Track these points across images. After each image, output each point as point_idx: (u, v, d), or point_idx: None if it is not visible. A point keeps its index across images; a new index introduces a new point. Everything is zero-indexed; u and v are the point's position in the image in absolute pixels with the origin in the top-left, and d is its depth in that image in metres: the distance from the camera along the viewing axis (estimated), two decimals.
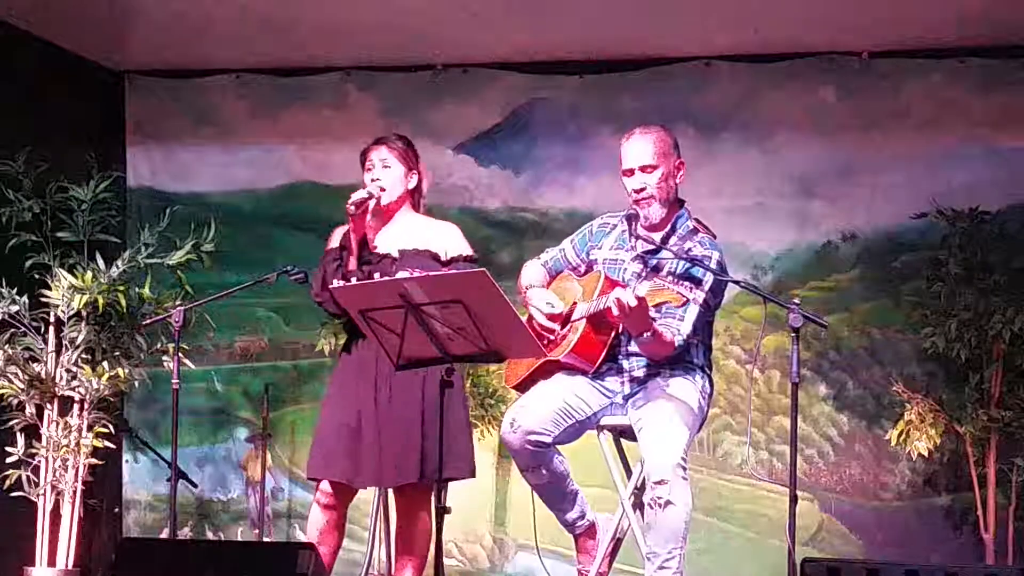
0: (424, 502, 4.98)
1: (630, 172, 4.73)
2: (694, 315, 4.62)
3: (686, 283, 4.49)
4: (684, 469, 4.48)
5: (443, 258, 4.97)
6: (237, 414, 7.30)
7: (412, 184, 5.08)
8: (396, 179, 5.02)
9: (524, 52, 6.94)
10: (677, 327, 4.59)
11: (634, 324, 4.50)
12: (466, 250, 5.02)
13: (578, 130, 7.03)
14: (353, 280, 4.79)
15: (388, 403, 4.90)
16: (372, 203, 4.96)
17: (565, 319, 4.76)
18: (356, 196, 4.93)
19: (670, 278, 4.44)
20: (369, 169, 5.05)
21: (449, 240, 5.02)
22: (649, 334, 4.51)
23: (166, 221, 6.65)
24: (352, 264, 4.93)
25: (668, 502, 4.45)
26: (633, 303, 4.35)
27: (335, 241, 5.08)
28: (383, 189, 4.99)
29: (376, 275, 4.83)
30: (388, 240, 5.02)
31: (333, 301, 4.82)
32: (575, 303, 4.76)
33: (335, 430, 4.96)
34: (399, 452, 4.86)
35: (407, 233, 5.02)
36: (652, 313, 4.52)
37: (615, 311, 4.42)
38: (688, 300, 4.40)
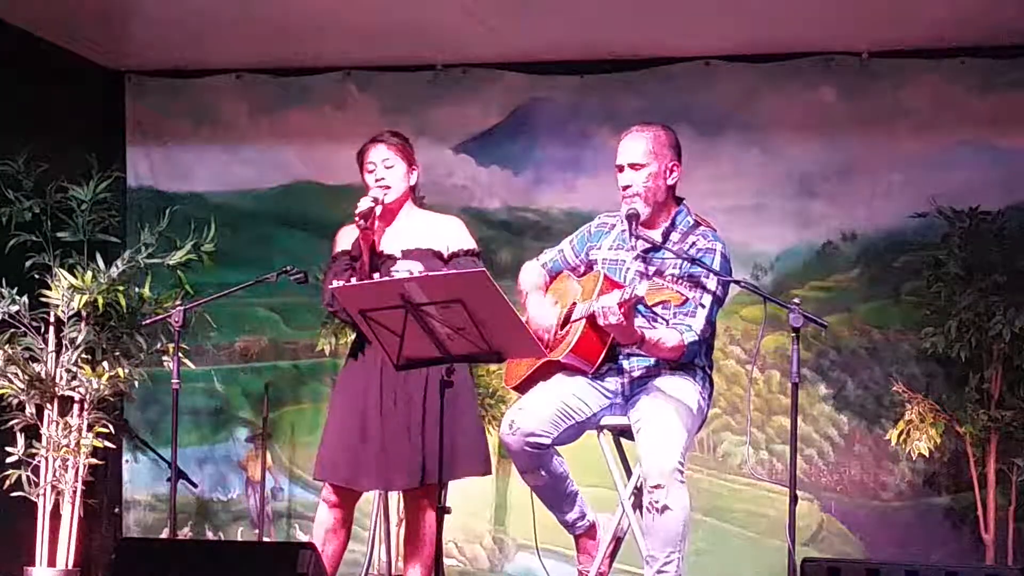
0: (431, 505, 4.97)
1: (620, 168, 4.75)
2: (707, 310, 4.62)
3: (689, 283, 4.49)
4: (681, 473, 4.48)
5: (445, 255, 4.96)
6: (237, 414, 7.29)
7: (413, 180, 5.07)
8: (399, 178, 5.00)
9: (524, 52, 6.94)
10: (688, 324, 4.59)
11: (620, 337, 4.51)
12: (467, 244, 5.01)
13: (578, 130, 7.03)
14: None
15: (393, 407, 4.90)
16: (379, 209, 4.95)
17: (565, 319, 4.76)
18: (362, 207, 4.88)
19: (671, 278, 4.44)
20: (370, 171, 5.01)
21: (451, 235, 5.01)
22: (637, 345, 4.52)
23: (166, 221, 6.66)
24: (365, 274, 4.89)
25: (665, 507, 4.45)
26: (613, 320, 4.36)
27: (342, 244, 5.05)
28: (388, 189, 4.98)
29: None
30: (392, 240, 5.01)
31: (344, 310, 4.80)
32: (574, 303, 4.76)
33: (340, 433, 4.97)
34: (402, 456, 4.87)
35: (409, 231, 5.01)
36: (662, 311, 4.53)
37: (599, 320, 4.43)
38: (688, 298, 4.39)
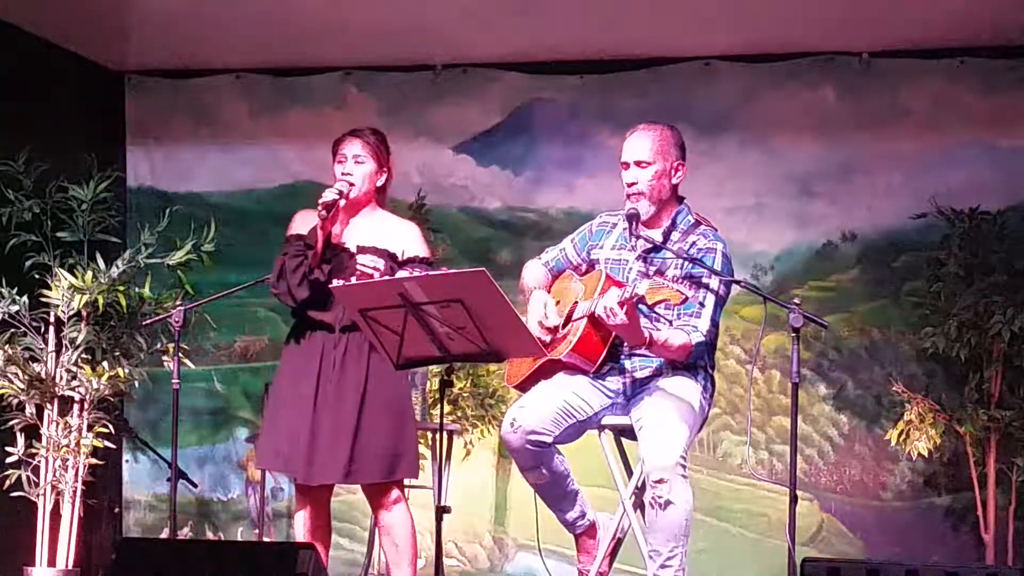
0: (392, 499, 4.94)
1: (626, 165, 4.75)
2: (711, 310, 4.63)
3: (690, 283, 4.49)
4: (684, 468, 4.48)
5: (400, 258, 4.97)
6: (237, 414, 7.29)
7: (381, 182, 5.07)
8: (366, 175, 5.01)
9: (524, 52, 6.94)
10: (694, 325, 4.59)
11: (627, 337, 4.51)
12: (422, 251, 5.02)
13: (578, 130, 7.03)
14: (316, 277, 4.84)
15: (328, 398, 4.89)
16: (343, 202, 4.95)
17: (567, 318, 4.76)
18: (326, 197, 4.90)
19: (673, 277, 4.44)
20: (341, 162, 5.04)
21: (407, 241, 5.01)
22: (645, 346, 4.52)
23: (166, 221, 6.65)
24: (316, 262, 4.90)
25: (668, 501, 4.45)
26: (618, 321, 4.36)
27: (297, 227, 5.05)
28: (352, 184, 4.99)
29: (362, 270, 4.83)
30: (350, 234, 5.02)
31: (289, 294, 4.88)
32: (576, 302, 4.76)
33: (278, 421, 4.97)
34: (332, 451, 4.86)
35: (369, 229, 5.01)
36: (664, 311, 4.53)
37: (606, 321, 4.43)
38: (687, 297, 4.40)
